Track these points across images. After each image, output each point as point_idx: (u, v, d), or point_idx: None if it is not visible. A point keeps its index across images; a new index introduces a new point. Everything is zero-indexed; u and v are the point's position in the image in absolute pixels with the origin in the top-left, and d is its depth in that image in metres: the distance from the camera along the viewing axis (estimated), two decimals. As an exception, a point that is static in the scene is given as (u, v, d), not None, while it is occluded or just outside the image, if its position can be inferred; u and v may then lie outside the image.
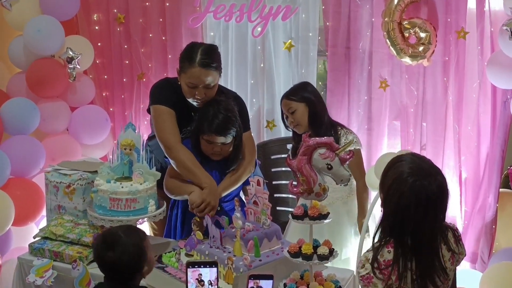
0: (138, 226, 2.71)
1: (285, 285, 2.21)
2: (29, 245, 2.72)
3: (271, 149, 3.70)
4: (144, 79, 4.07)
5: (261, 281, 2.04)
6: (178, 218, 2.88)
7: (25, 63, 3.82)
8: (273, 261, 2.31)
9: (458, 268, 2.00)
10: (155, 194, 2.62)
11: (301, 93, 3.06)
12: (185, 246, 2.53)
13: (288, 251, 2.17)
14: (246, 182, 2.74)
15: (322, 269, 2.34)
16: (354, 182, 3.08)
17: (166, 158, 2.77)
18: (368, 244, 2.84)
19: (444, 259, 1.86)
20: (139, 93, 4.12)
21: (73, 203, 2.84)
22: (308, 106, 3.02)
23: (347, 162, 2.08)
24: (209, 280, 2.12)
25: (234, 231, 2.39)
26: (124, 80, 4.14)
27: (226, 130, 2.64)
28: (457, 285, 2.03)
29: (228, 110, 2.66)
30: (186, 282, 2.13)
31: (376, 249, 1.85)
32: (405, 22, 3.33)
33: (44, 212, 3.36)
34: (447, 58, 3.39)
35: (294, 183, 2.14)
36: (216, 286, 2.12)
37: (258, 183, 2.41)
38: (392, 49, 3.36)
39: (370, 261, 1.85)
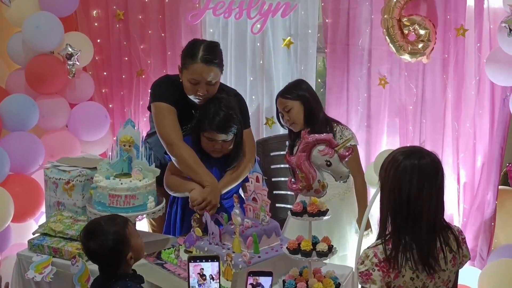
0: (137, 222, 2.71)
1: (284, 281, 2.21)
2: (28, 242, 2.72)
3: (270, 146, 3.70)
4: (143, 76, 4.07)
5: (260, 277, 2.04)
6: (177, 215, 2.88)
7: (24, 60, 3.81)
8: (272, 258, 2.31)
9: (457, 265, 2.01)
10: (154, 191, 2.62)
11: (296, 91, 3.04)
12: (184, 242, 2.53)
13: (287, 247, 2.17)
14: (245, 179, 2.74)
15: (321, 265, 2.34)
16: (352, 179, 3.08)
17: (166, 154, 2.77)
18: (366, 240, 2.86)
19: (445, 255, 1.88)
20: (138, 89, 4.11)
21: (72, 199, 2.85)
22: (303, 103, 3.01)
23: (346, 159, 2.08)
24: (211, 275, 2.11)
25: (233, 228, 2.38)
26: (123, 76, 4.13)
27: (227, 128, 2.64)
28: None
29: (229, 107, 2.66)
30: (188, 276, 2.12)
31: (382, 240, 1.89)
32: (404, 19, 3.33)
33: (43, 209, 3.36)
34: (446, 56, 3.39)
35: (293, 179, 2.14)
36: (217, 281, 2.12)
37: (257, 180, 2.40)
38: (391, 46, 3.36)
39: (370, 256, 1.86)
